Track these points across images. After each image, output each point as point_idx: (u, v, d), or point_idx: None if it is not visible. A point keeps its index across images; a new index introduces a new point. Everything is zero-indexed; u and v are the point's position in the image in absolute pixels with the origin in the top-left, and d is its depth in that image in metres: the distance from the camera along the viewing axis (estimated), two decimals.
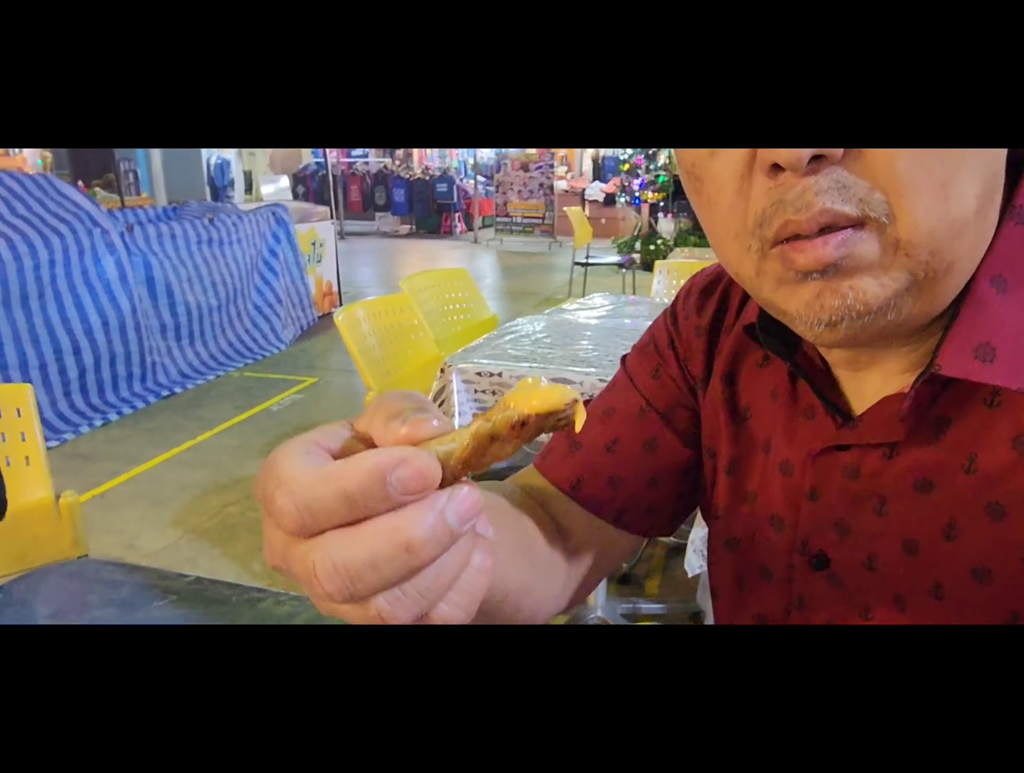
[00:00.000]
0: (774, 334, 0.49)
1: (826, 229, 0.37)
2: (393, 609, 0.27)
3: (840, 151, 0.35)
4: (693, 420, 0.59)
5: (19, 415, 1.35)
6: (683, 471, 0.60)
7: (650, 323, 0.66)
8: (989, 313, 0.41)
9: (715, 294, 0.59)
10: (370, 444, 0.28)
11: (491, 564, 0.30)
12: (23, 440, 1.35)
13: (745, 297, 0.56)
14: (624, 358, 0.64)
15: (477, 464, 0.29)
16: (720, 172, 0.40)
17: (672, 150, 0.44)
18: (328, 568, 0.26)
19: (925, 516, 0.44)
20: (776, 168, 0.37)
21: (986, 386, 0.41)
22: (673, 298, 0.64)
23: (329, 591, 0.26)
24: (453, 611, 0.28)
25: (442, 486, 0.27)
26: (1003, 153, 0.39)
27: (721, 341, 0.58)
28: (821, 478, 0.48)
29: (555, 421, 0.29)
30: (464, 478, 0.29)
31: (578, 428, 0.30)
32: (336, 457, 0.28)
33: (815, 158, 0.35)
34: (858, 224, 0.36)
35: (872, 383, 0.46)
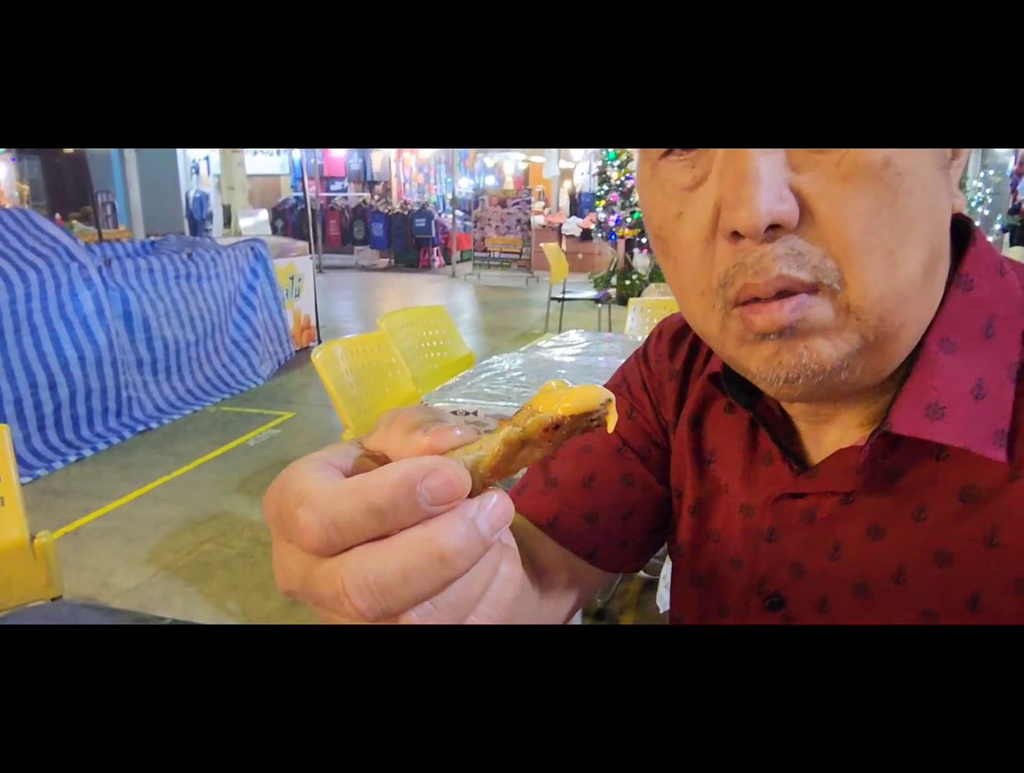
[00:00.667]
0: (737, 384, 0.52)
1: (783, 293, 0.39)
2: (425, 622, 0.26)
3: (795, 220, 0.38)
4: (665, 459, 0.62)
5: None
6: (657, 507, 0.62)
7: (623, 360, 0.68)
8: (938, 374, 0.43)
9: (687, 340, 0.62)
10: (383, 461, 0.27)
11: (519, 574, 0.29)
12: None
13: None
14: None
15: (506, 470, 0.28)
16: (686, 235, 0.43)
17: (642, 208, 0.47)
18: (359, 583, 0.25)
19: (876, 561, 0.46)
20: (736, 234, 0.39)
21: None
22: (645, 338, 0.67)
23: (360, 608, 0.25)
24: (483, 624, 0.28)
25: (470, 495, 0.26)
26: (947, 224, 0.43)
27: (691, 386, 0.60)
28: (779, 521, 0.51)
29: (588, 422, 0.28)
30: (492, 486, 0.28)
31: (610, 429, 0.29)
32: (348, 475, 0.27)
33: (772, 227, 0.38)
34: (812, 289, 0.39)
35: (831, 435, 0.49)
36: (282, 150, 14.51)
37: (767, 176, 0.38)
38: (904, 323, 0.41)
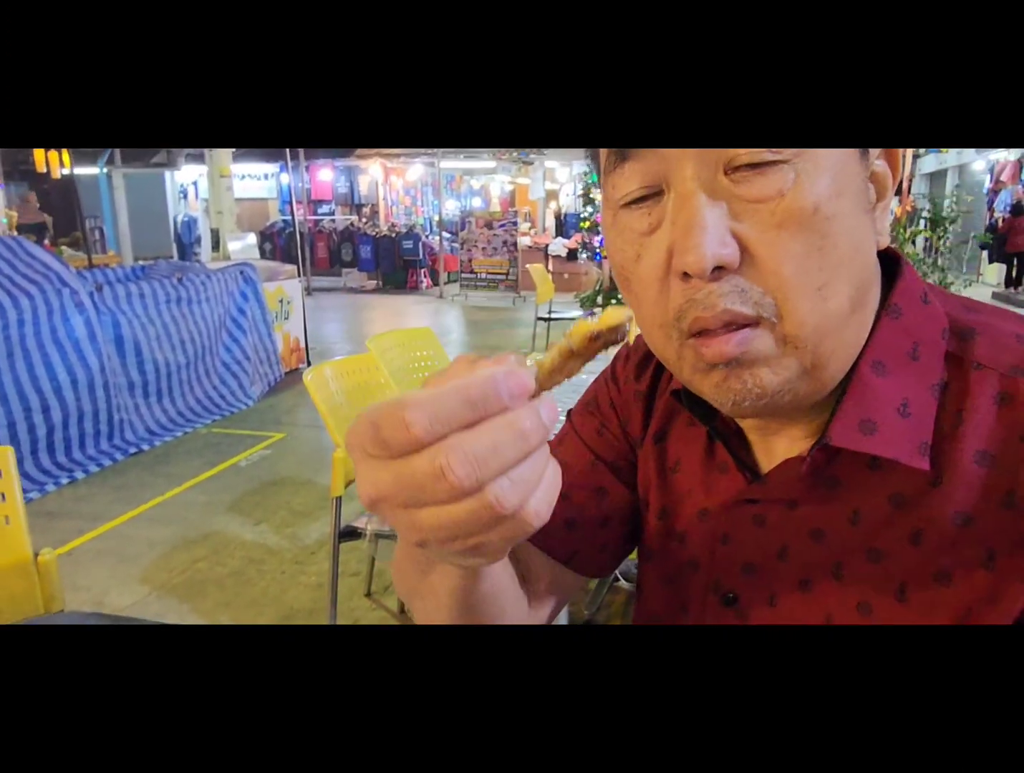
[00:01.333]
0: (695, 400, 0.57)
1: (729, 324, 0.45)
2: (505, 494, 0.31)
3: (737, 262, 0.44)
4: (633, 471, 0.67)
5: (0, 475, 1.41)
6: (630, 514, 0.67)
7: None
8: (871, 393, 0.48)
9: (651, 363, 0.67)
10: None
11: (560, 477, 0.35)
12: (3, 500, 1.41)
13: None
14: (570, 413, 0.72)
15: (555, 379, 0.37)
16: (644, 274, 0.48)
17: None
18: (460, 457, 0.30)
19: (818, 560, 0.52)
20: (687, 275, 0.45)
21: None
22: (612, 358, 0.72)
23: (460, 476, 0.30)
24: (540, 507, 0.33)
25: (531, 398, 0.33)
26: (872, 261, 0.49)
27: (656, 405, 0.66)
28: (733, 525, 0.56)
29: (616, 335, 0.36)
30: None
31: (631, 339, 0.36)
32: None
33: (717, 268, 0.44)
34: (754, 322, 0.45)
35: (779, 446, 0.55)
36: (270, 174, 14.59)
37: (711, 224, 0.44)
38: (835, 350, 0.47)
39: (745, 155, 0.44)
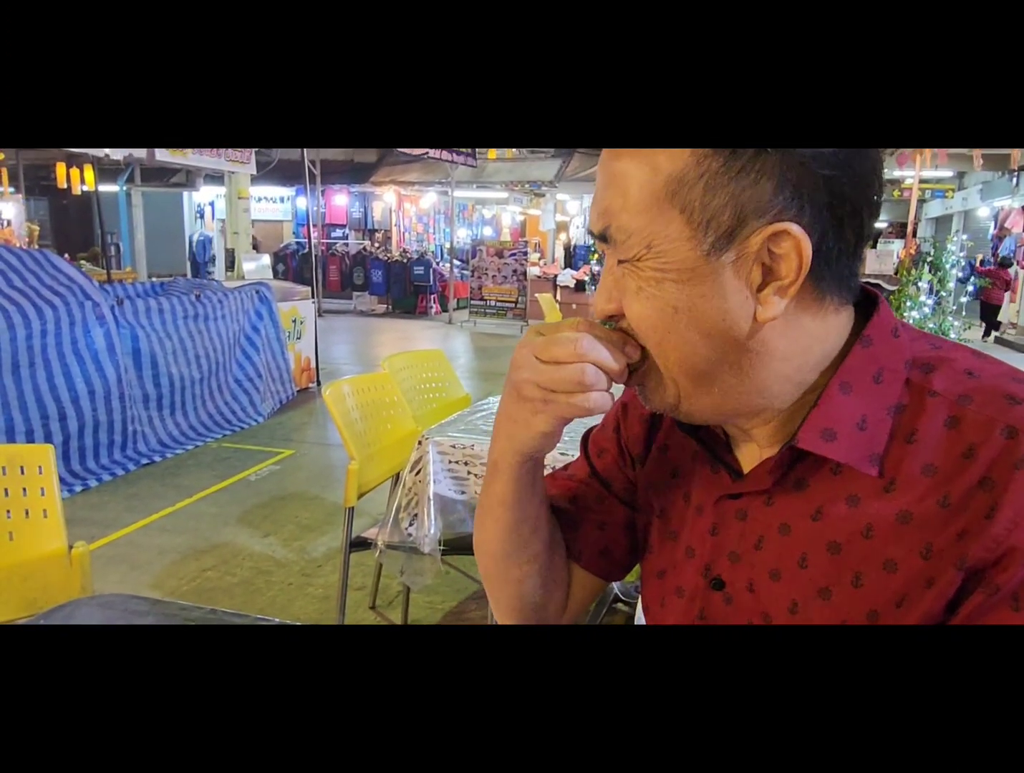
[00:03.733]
0: None
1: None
2: (594, 396, 0.58)
3: (619, 315, 0.60)
4: (629, 487, 0.78)
5: (40, 472, 1.51)
6: (624, 524, 0.78)
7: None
8: (834, 408, 0.57)
9: None
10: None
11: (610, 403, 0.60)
12: (43, 495, 1.50)
13: None
14: (584, 438, 0.84)
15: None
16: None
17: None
18: (591, 373, 0.58)
19: (786, 551, 0.60)
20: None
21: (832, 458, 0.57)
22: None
23: (586, 383, 0.58)
24: (597, 404, 0.59)
25: None
26: (737, 331, 0.56)
27: (661, 424, 0.76)
28: (720, 518, 0.65)
29: None
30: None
31: None
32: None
33: (610, 316, 0.60)
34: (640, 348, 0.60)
35: (752, 449, 0.65)
36: (286, 197, 14.83)
37: (605, 287, 0.60)
38: (704, 393, 0.59)
39: (614, 252, 0.58)
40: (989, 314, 11.72)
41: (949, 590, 0.52)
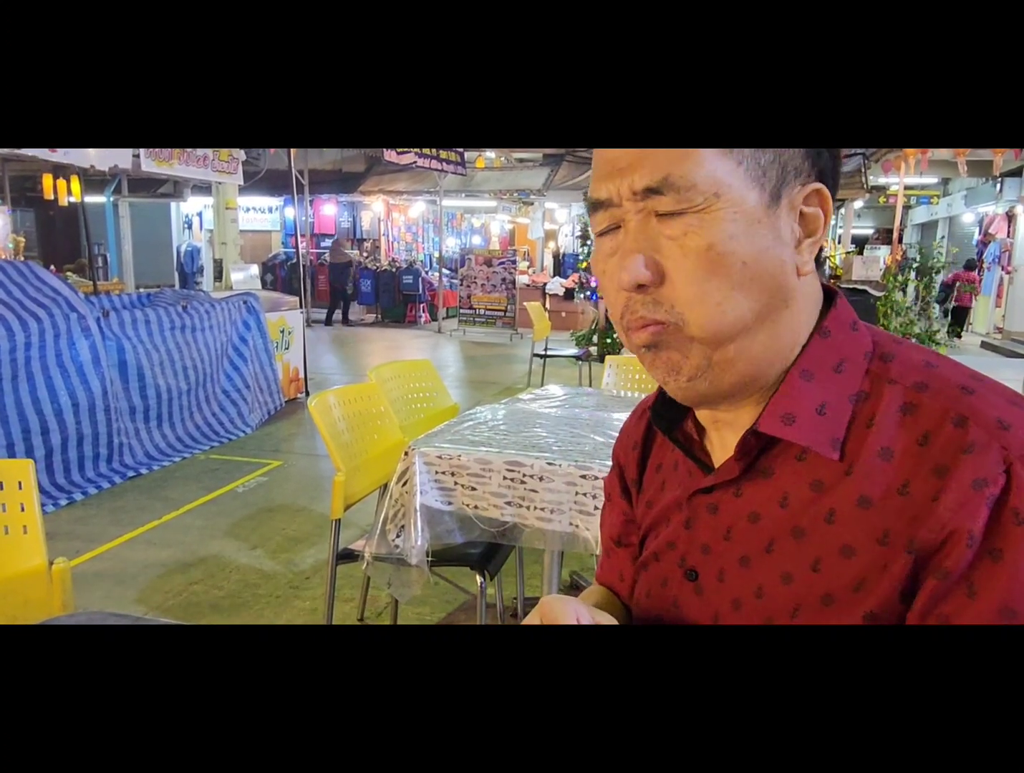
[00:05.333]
0: (662, 415, 0.72)
1: (646, 324, 0.60)
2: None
3: (653, 282, 0.58)
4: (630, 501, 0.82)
5: (20, 487, 1.48)
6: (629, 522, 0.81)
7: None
8: (794, 394, 0.60)
9: (646, 417, 0.81)
10: None
11: None
12: (22, 511, 1.47)
13: None
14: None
15: None
16: (608, 285, 0.63)
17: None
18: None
19: (754, 538, 0.62)
20: (624, 289, 0.60)
21: (796, 445, 0.60)
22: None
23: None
24: None
25: None
26: (784, 287, 0.60)
27: (652, 448, 0.79)
28: (693, 513, 0.68)
29: None
30: None
31: None
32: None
33: (640, 286, 0.58)
34: (663, 324, 0.59)
35: (729, 439, 0.66)
36: (274, 207, 14.81)
37: (637, 254, 0.58)
38: (741, 351, 0.59)
39: (667, 204, 0.57)
40: (960, 315, 12.23)
41: (902, 574, 0.53)
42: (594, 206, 0.62)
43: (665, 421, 0.71)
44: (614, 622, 0.60)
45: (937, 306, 8.80)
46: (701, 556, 0.67)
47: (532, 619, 0.61)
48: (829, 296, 0.65)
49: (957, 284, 11.93)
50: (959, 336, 11.61)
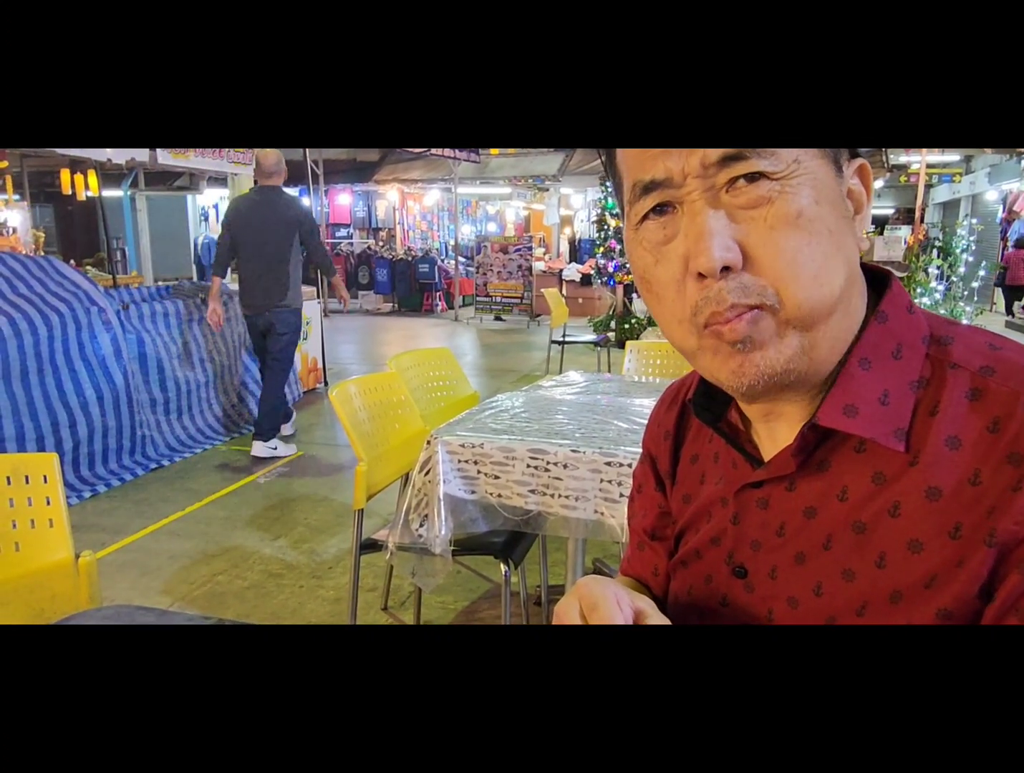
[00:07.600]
0: (704, 407, 0.67)
1: (739, 314, 0.53)
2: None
3: (740, 263, 0.53)
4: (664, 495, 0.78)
5: (45, 481, 1.49)
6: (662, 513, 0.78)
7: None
8: (855, 383, 0.56)
9: (677, 405, 0.77)
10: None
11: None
12: (48, 504, 1.48)
13: None
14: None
15: None
16: (663, 278, 0.56)
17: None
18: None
19: (810, 534, 0.59)
20: (701, 275, 0.53)
21: (855, 436, 0.56)
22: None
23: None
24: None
25: None
26: (855, 259, 0.57)
27: (685, 439, 0.76)
28: (741, 508, 0.65)
29: None
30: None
31: None
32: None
33: (725, 269, 0.52)
34: (758, 308, 0.53)
35: (781, 432, 0.62)
36: None
37: (717, 233, 0.52)
38: (826, 333, 0.55)
39: (741, 168, 0.52)
40: (1016, 293, 11.77)
41: (982, 570, 0.50)
42: (645, 189, 0.56)
43: (709, 413, 0.67)
44: (652, 605, 0.56)
45: (977, 285, 8.63)
46: (750, 552, 0.64)
47: (569, 600, 0.57)
48: (879, 278, 0.61)
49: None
50: (1012, 314, 11.35)
